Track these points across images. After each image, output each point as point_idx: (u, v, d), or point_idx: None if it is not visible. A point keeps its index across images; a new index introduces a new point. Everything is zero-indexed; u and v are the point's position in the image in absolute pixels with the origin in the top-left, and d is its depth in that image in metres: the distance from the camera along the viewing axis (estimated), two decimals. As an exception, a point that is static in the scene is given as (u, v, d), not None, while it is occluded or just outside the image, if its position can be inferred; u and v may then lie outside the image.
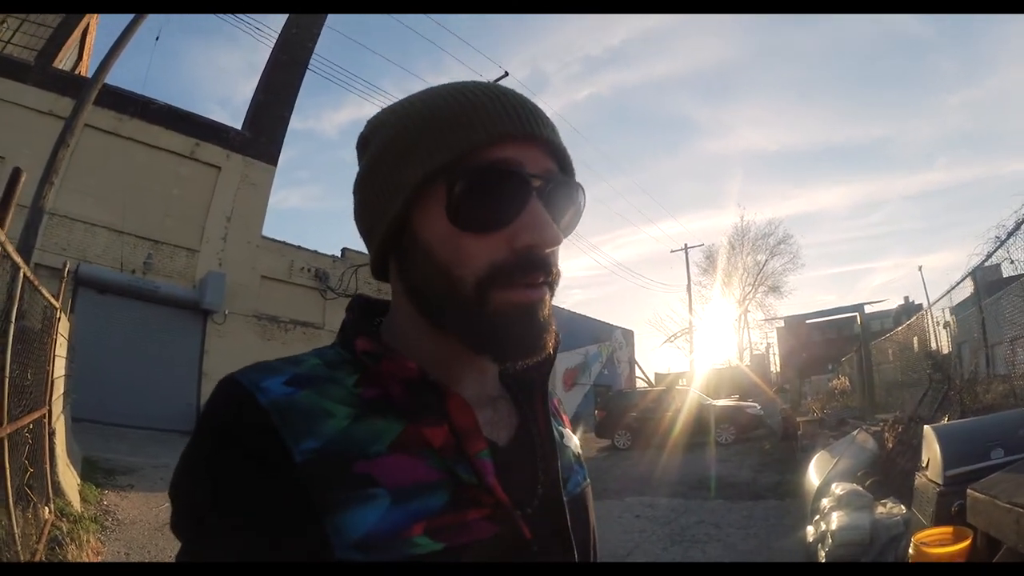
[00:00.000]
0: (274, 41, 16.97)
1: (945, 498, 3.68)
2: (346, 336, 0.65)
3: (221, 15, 13.55)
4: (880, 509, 4.92)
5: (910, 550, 3.42)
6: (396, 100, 0.69)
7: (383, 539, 0.53)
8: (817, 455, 7.90)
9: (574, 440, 0.80)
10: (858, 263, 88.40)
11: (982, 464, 3.63)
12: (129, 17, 9.08)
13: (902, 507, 4.81)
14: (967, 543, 3.18)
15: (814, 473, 7.10)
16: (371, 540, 0.52)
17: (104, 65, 8.81)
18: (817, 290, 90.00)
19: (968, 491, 3.24)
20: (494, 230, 0.59)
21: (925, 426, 4.52)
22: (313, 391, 0.58)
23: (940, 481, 3.81)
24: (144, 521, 6.07)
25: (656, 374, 36.70)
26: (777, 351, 45.16)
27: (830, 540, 4.67)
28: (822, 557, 4.77)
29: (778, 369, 42.58)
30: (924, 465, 4.21)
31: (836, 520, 4.80)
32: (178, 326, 14.06)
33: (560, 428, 0.77)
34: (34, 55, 13.46)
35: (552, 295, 0.64)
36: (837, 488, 5.39)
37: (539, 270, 0.60)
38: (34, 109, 12.33)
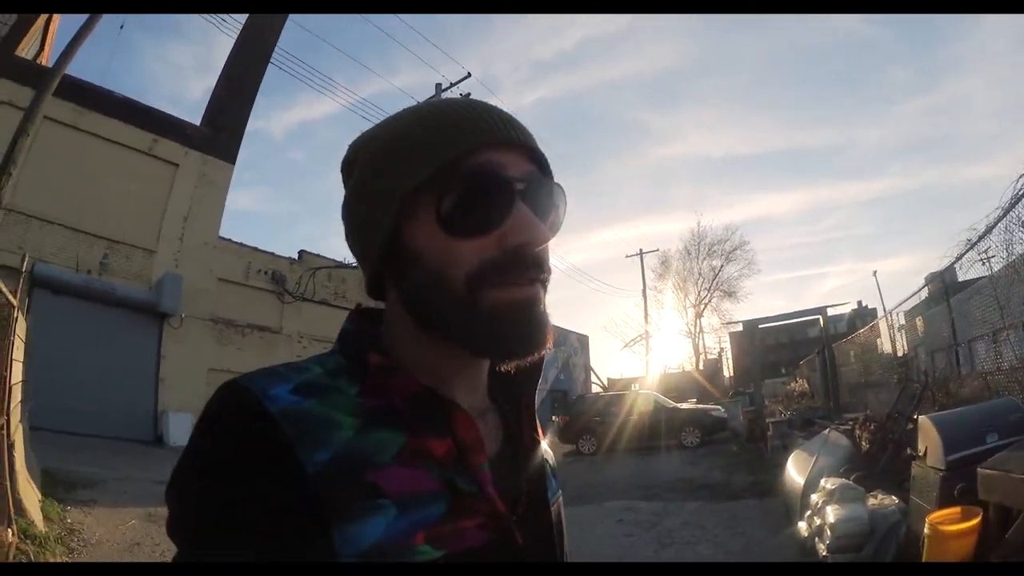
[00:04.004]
0: (236, 34, 16.65)
1: (948, 481, 3.83)
2: (346, 345, 0.66)
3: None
4: (872, 501, 4.97)
5: (925, 530, 3.46)
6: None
7: (389, 548, 0.54)
8: (793, 454, 7.97)
9: (549, 452, 0.81)
10: (809, 268, 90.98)
11: (979, 448, 3.84)
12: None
13: (893, 498, 4.88)
14: (978, 519, 3.30)
15: (794, 471, 7.15)
16: (378, 549, 0.53)
17: (67, 53, 8.55)
18: (768, 295, 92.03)
19: (979, 470, 3.43)
20: (484, 233, 0.60)
21: (921, 417, 4.63)
22: (319, 400, 0.58)
23: (942, 466, 3.93)
24: (112, 541, 5.73)
25: (609, 379, 36.98)
26: (730, 356, 46.09)
27: (829, 533, 4.67)
28: (822, 550, 4.77)
29: (731, 373, 43.38)
30: (922, 454, 4.31)
31: (832, 513, 4.80)
32: (135, 330, 13.63)
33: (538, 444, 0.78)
34: None
35: (545, 292, 0.64)
36: (827, 483, 5.41)
37: (531, 267, 0.61)
38: None
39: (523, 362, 0.63)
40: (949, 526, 3.38)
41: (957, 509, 3.53)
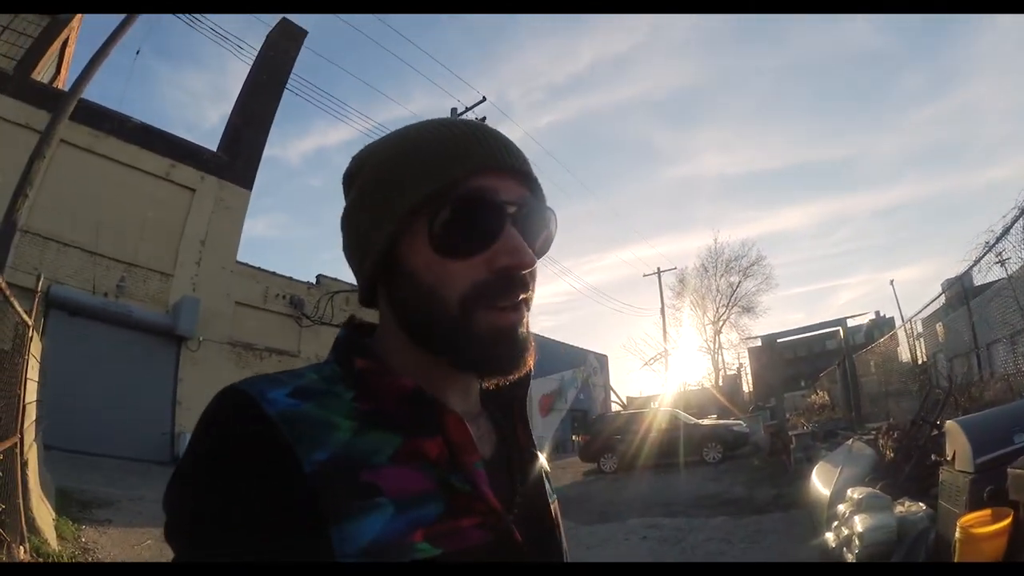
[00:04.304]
0: (251, 61, 16.91)
1: (977, 484, 3.74)
2: (339, 353, 0.68)
3: (201, 29, 13.45)
4: (900, 508, 4.89)
5: (956, 534, 3.40)
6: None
7: (388, 546, 0.55)
8: (817, 466, 7.88)
9: (544, 459, 0.82)
10: (825, 281, 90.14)
11: (1008, 449, 3.75)
12: (110, 30, 8.92)
13: (920, 504, 4.80)
14: (1009, 520, 3.23)
15: (819, 482, 7.06)
16: (377, 547, 0.54)
17: (84, 75, 8.66)
18: (786, 309, 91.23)
19: (1009, 470, 3.34)
20: (474, 255, 0.63)
21: (948, 422, 4.56)
22: (316, 404, 0.60)
23: (971, 469, 3.84)
24: (126, 560, 5.68)
25: (629, 398, 36.78)
26: (750, 371, 45.65)
27: (858, 542, 4.59)
28: (850, 560, 4.69)
29: (751, 388, 42.96)
30: (949, 458, 4.24)
31: (860, 523, 4.72)
32: (151, 352, 13.72)
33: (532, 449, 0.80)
34: (12, 65, 13.19)
35: (528, 311, 0.68)
36: (854, 493, 5.33)
37: (517, 289, 0.64)
38: (10, 120, 12.06)
39: (500, 381, 0.67)
40: (980, 528, 3.31)
41: (987, 511, 3.45)
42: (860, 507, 5.04)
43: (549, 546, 0.72)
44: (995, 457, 3.72)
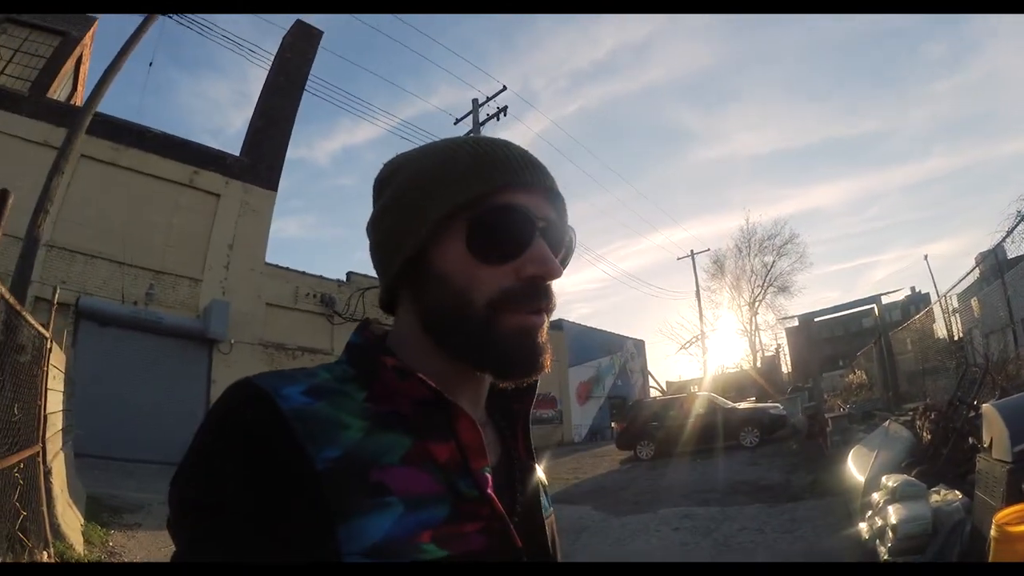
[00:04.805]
0: (269, 65, 17.02)
1: (1015, 475, 3.51)
2: (353, 355, 0.70)
3: (215, 36, 13.64)
4: (935, 497, 4.69)
5: (991, 531, 3.20)
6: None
7: (395, 545, 0.55)
8: (853, 450, 7.68)
9: (542, 473, 0.83)
10: (860, 258, 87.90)
11: None
12: (122, 43, 9.02)
13: (957, 492, 4.59)
14: (1049, 516, 3.01)
15: (854, 468, 6.87)
16: (384, 546, 0.55)
17: (98, 89, 8.81)
18: (820, 288, 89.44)
19: None
20: (506, 261, 0.66)
21: (984, 406, 4.33)
22: (329, 403, 0.60)
23: (1008, 458, 3.62)
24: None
25: (668, 382, 36.51)
26: (787, 351, 44.95)
27: (891, 535, 4.42)
28: (883, 553, 4.50)
29: (790, 369, 42.31)
30: (987, 445, 4.02)
31: (894, 514, 4.54)
32: (183, 357, 13.90)
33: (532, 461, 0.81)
34: (27, 86, 13.45)
35: (548, 322, 0.70)
36: (888, 481, 5.14)
37: (542, 298, 0.67)
38: (28, 140, 12.28)
39: (521, 382, 0.69)
40: (1018, 526, 3.11)
41: (1027, 505, 3.26)
42: (895, 496, 4.87)
43: (544, 556, 0.74)
44: (1036, 446, 3.52)
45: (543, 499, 0.79)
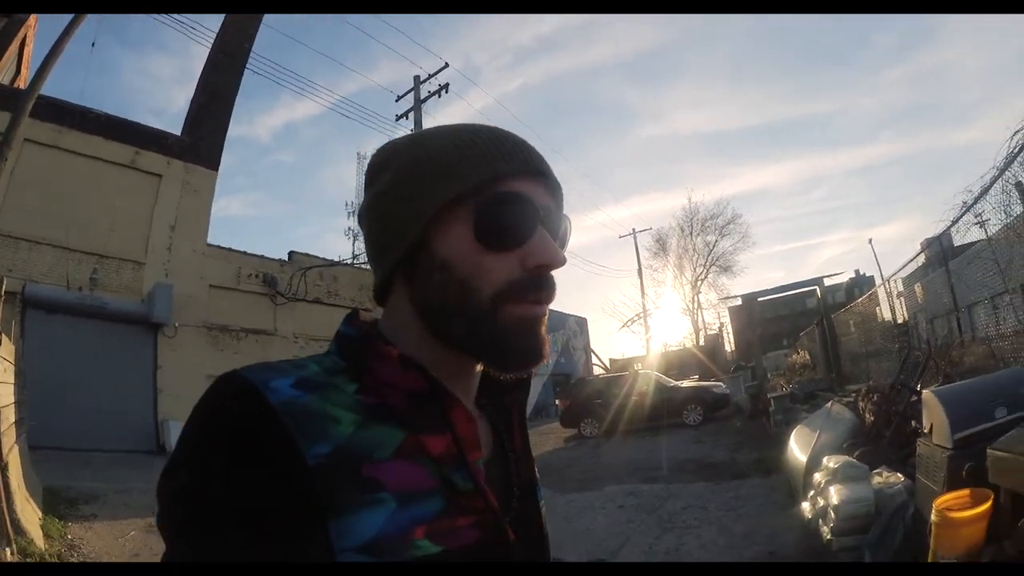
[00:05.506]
0: (210, 42, 16.59)
1: (955, 461, 3.61)
2: (343, 347, 0.68)
3: (159, 16, 13.11)
4: (877, 479, 4.81)
5: (932, 516, 3.29)
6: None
7: (389, 541, 0.55)
8: (795, 430, 7.84)
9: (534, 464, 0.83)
10: (805, 239, 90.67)
11: (988, 424, 3.61)
12: (64, 24, 8.65)
13: (899, 475, 4.71)
14: (989, 503, 3.11)
15: (797, 448, 7.01)
16: (378, 542, 0.54)
17: (40, 72, 8.53)
18: (765, 268, 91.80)
19: (988, 451, 3.18)
20: (510, 249, 0.64)
21: (924, 392, 4.44)
22: (319, 396, 0.59)
23: (949, 445, 3.73)
24: (111, 555, 5.72)
25: (611, 360, 36.98)
26: (731, 330, 45.98)
27: (833, 515, 4.52)
28: (826, 533, 4.62)
29: (732, 348, 43.32)
30: (927, 431, 4.12)
31: (836, 494, 4.65)
32: (129, 342, 13.68)
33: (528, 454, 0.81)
34: None
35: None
36: (830, 461, 5.26)
37: (546, 289, 0.66)
38: None
39: (521, 373, 0.68)
40: (958, 512, 3.19)
41: (966, 492, 3.31)
42: (836, 477, 4.96)
43: (537, 549, 0.74)
44: (974, 433, 3.59)
45: (538, 491, 0.79)
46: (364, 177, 0.75)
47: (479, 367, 0.71)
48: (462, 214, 0.64)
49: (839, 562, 4.42)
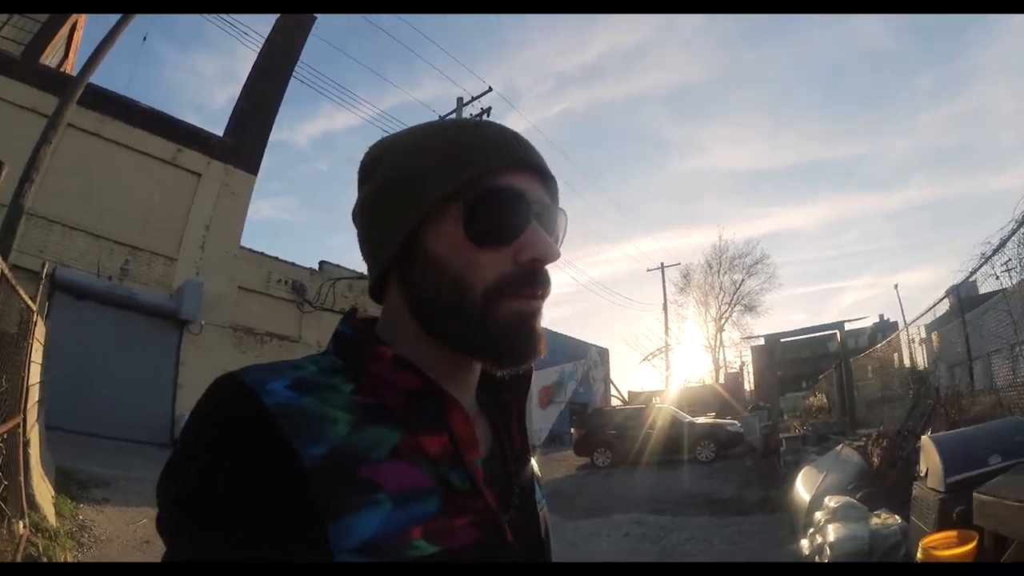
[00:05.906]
0: (257, 46, 16.90)
1: (947, 504, 3.75)
2: (341, 346, 0.68)
3: (208, 16, 13.48)
4: (875, 520, 4.90)
5: (918, 554, 3.40)
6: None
7: (386, 542, 0.55)
8: (803, 470, 7.88)
9: (534, 463, 0.83)
10: (830, 282, 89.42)
11: (981, 470, 3.73)
12: (118, 15, 8.93)
13: (896, 517, 4.81)
14: (973, 544, 3.24)
15: (802, 488, 7.07)
16: (375, 543, 0.55)
17: (91, 62, 8.68)
18: (788, 309, 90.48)
19: (974, 495, 3.34)
20: (502, 245, 0.64)
21: (923, 437, 4.56)
22: (315, 397, 0.59)
23: (941, 488, 3.85)
24: (121, 539, 5.82)
25: (630, 392, 36.71)
26: (751, 370, 45.53)
27: (828, 552, 4.63)
28: (821, 569, 4.72)
29: (752, 387, 42.87)
30: (923, 475, 4.25)
31: (833, 532, 4.76)
32: (154, 335, 13.77)
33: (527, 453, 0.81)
34: (20, 49, 13.22)
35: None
36: (831, 501, 5.36)
37: (540, 283, 0.66)
38: (17, 104, 12.10)
39: (517, 369, 0.67)
40: (942, 551, 3.31)
41: (955, 532, 3.45)
42: (835, 516, 5.06)
43: (537, 549, 0.74)
44: (966, 478, 3.71)
45: (537, 491, 0.79)
46: (357, 175, 0.74)
47: (477, 365, 0.71)
48: (453, 211, 0.64)
49: (839, 562, 4.49)
